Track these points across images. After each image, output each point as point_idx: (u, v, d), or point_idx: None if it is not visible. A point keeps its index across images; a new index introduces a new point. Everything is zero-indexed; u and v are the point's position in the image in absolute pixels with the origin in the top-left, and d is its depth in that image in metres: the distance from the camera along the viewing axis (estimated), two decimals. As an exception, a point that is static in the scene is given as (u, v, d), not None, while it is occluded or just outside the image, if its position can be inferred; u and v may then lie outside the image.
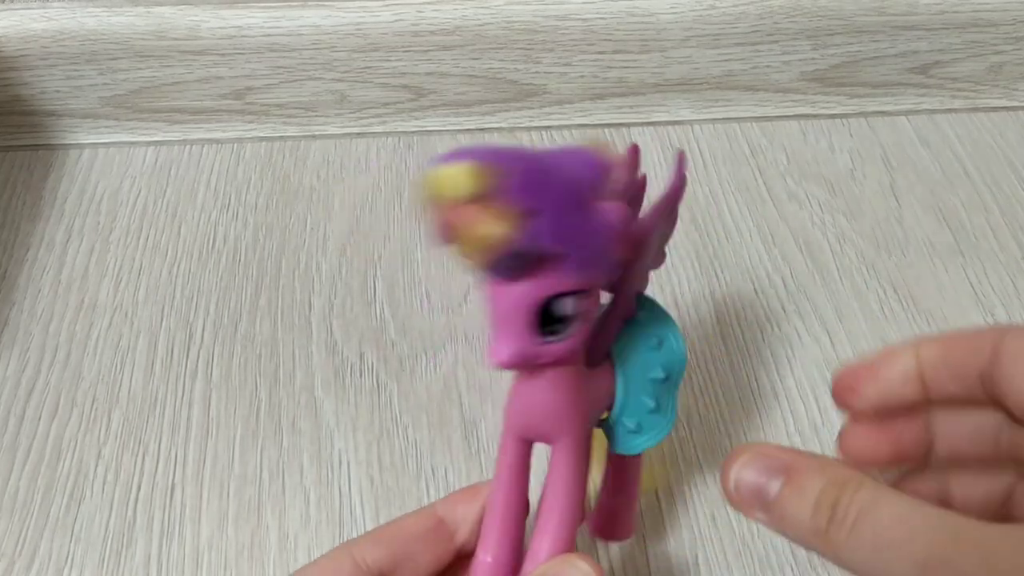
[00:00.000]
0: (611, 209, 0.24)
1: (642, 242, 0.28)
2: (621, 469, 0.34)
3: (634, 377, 0.30)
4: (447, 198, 0.21)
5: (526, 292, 0.24)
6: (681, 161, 0.30)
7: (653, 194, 0.29)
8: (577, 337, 0.26)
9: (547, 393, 0.27)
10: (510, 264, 0.23)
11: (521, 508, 0.30)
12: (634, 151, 0.28)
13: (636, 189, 0.28)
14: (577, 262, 0.24)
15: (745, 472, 0.25)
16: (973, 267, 0.50)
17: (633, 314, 0.30)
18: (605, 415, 0.31)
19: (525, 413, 0.28)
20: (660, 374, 0.30)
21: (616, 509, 0.36)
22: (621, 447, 0.31)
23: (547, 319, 0.24)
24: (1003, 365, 0.25)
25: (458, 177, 0.21)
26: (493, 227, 0.21)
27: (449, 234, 0.22)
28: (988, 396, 0.26)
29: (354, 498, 0.40)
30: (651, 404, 0.30)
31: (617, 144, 0.56)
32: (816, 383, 0.44)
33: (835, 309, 0.48)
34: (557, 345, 0.25)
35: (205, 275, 0.49)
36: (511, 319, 0.24)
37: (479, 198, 0.21)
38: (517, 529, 0.29)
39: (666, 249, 0.32)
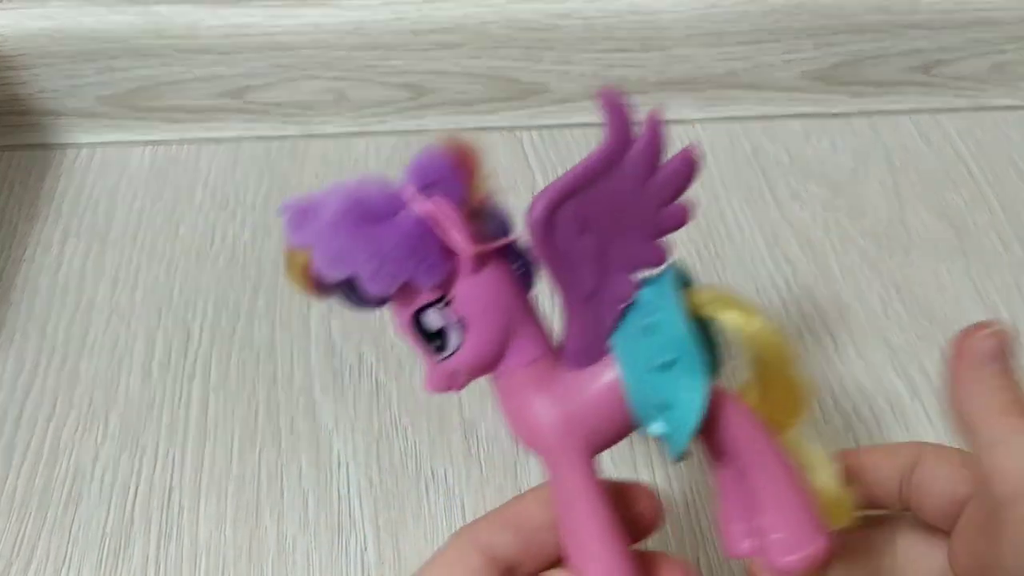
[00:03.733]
0: (408, 213, 0.24)
1: (546, 221, 0.24)
2: (751, 471, 0.27)
3: (635, 373, 0.26)
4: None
5: (397, 319, 0.26)
6: (615, 113, 0.25)
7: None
8: (474, 344, 0.26)
9: (504, 405, 0.27)
10: (342, 296, 0.25)
11: (609, 518, 0.26)
12: (611, 106, 0.25)
13: (619, 153, 0.25)
14: (369, 279, 0.24)
15: None
16: (976, 267, 0.50)
17: (629, 296, 0.27)
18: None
19: (511, 428, 0.27)
20: (661, 359, 0.26)
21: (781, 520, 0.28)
22: (669, 456, 0.27)
23: (431, 336, 0.26)
24: (921, 480, 0.29)
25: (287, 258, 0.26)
26: (291, 267, 0.25)
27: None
28: (903, 505, 0.29)
29: (353, 500, 0.40)
30: (661, 399, 0.26)
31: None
32: (819, 383, 0.44)
33: (837, 309, 0.47)
34: (457, 357, 0.26)
35: (203, 275, 0.49)
36: (414, 345, 0.26)
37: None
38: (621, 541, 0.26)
39: (683, 205, 0.26)
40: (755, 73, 0.57)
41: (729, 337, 0.26)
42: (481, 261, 0.25)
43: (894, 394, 0.44)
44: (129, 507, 0.40)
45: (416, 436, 0.42)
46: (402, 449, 0.42)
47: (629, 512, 0.28)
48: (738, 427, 0.26)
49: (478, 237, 0.25)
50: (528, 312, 0.27)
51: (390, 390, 0.44)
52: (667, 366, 0.25)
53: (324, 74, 0.55)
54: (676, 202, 0.26)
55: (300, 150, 0.56)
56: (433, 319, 0.25)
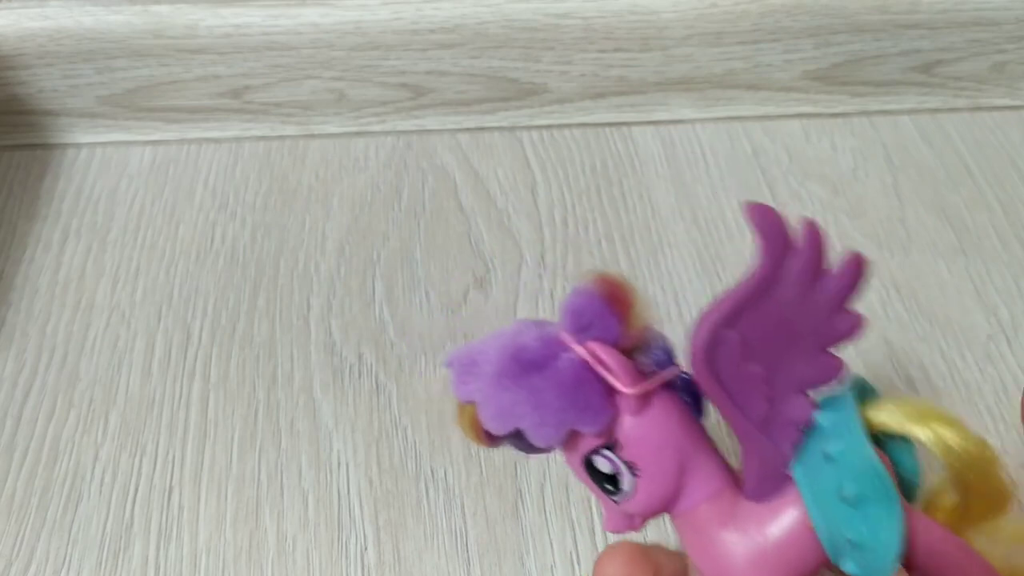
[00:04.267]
0: (566, 359, 0.24)
1: (708, 349, 0.23)
2: None
3: (821, 506, 0.24)
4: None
5: (568, 462, 0.25)
6: (812, 234, 0.24)
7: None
8: (648, 487, 0.24)
9: (689, 542, 0.25)
10: (513, 444, 0.24)
11: None
12: (763, 220, 0.24)
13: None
14: (534, 432, 0.24)
15: None
16: (976, 267, 0.50)
17: (807, 420, 0.24)
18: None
19: (699, 566, 0.26)
20: (847, 492, 0.23)
21: None
22: None
23: (604, 479, 0.25)
24: None
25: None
26: (462, 420, 0.25)
27: None
28: None
29: (353, 500, 0.40)
30: (851, 535, 0.23)
31: (618, 143, 0.56)
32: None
33: (837, 309, 0.47)
34: (633, 501, 0.24)
35: (203, 275, 0.49)
36: (590, 488, 0.25)
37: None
38: None
39: (854, 312, 0.24)
40: (755, 73, 0.57)
41: (926, 454, 0.24)
42: (645, 399, 0.24)
43: (893, 394, 0.44)
44: (129, 507, 0.40)
45: (416, 436, 0.42)
46: (402, 449, 0.42)
47: None
48: (935, 550, 0.24)
49: (639, 373, 0.24)
50: (702, 443, 0.25)
51: (390, 390, 0.44)
52: (855, 500, 0.23)
53: (323, 74, 0.55)
54: (844, 309, 0.24)
55: (299, 150, 0.56)
56: (604, 464, 0.24)
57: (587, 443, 0.24)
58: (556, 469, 0.41)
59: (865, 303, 0.48)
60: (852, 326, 0.24)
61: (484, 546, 0.38)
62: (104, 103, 0.55)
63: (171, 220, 0.52)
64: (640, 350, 0.24)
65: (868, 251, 0.50)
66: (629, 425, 0.24)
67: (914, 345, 0.46)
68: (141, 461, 0.41)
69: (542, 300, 0.48)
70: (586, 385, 0.23)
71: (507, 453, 0.41)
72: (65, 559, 0.38)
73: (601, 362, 0.23)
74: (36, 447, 0.42)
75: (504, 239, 0.51)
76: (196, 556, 0.38)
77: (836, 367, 0.24)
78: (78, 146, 0.56)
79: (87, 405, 0.43)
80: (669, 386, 0.25)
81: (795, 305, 0.24)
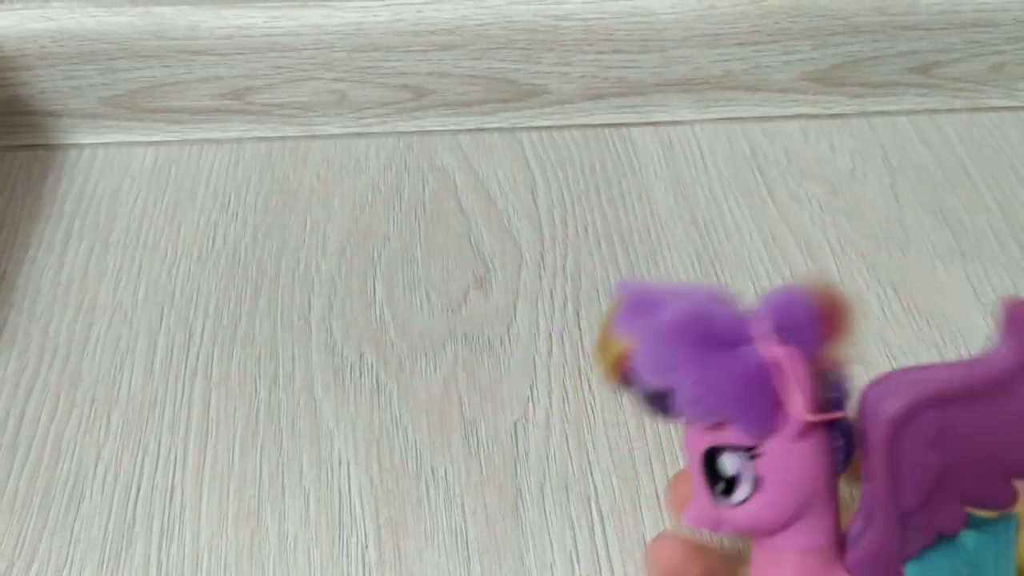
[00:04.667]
0: (753, 350, 0.22)
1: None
2: None
3: None
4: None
5: (689, 439, 0.24)
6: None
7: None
8: (762, 508, 0.23)
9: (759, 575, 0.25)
10: (644, 397, 0.23)
11: None
12: (1017, 316, 0.21)
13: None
14: (687, 402, 0.22)
15: None
16: (974, 268, 0.50)
17: (953, 531, 0.23)
18: None
19: None
20: None
21: None
22: None
23: (718, 476, 0.23)
24: None
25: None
26: (606, 351, 0.23)
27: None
28: None
29: (354, 499, 0.40)
30: None
31: (617, 144, 0.57)
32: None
33: (836, 310, 0.48)
34: (739, 511, 0.23)
35: (205, 275, 0.49)
36: (695, 473, 0.24)
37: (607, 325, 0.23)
38: None
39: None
40: (753, 74, 0.57)
41: None
42: (807, 429, 0.22)
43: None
44: (131, 506, 0.40)
45: (417, 435, 0.43)
46: (403, 448, 0.42)
47: None
48: None
49: (815, 402, 0.22)
50: (828, 495, 0.24)
51: (391, 389, 0.44)
52: None
53: (325, 75, 0.55)
54: None
55: (301, 151, 0.56)
56: (730, 464, 0.23)
57: (730, 437, 0.23)
58: (556, 468, 0.41)
59: (863, 303, 0.49)
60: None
61: (484, 545, 0.39)
62: (106, 104, 0.56)
63: (173, 221, 0.52)
64: (823, 379, 0.23)
65: (866, 251, 0.51)
66: (781, 446, 0.23)
67: (912, 345, 0.46)
68: (143, 460, 0.42)
69: (542, 300, 0.48)
70: (763, 386, 0.22)
71: (507, 453, 0.41)
72: (67, 558, 0.39)
73: (792, 373, 0.22)
74: (38, 447, 0.42)
75: (504, 239, 0.51)
76: (198, 555, 0.39)
77: (1009, 500, 0.23)
78: (80, 147, 0.56)
79: (89, 405, 0.44)
80: (829, 425, 0.23)
81: (1010, 421, 0.21)
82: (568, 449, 0.42)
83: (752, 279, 0.49)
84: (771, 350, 0.22)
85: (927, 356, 0.45)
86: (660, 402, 0.23)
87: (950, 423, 0.21)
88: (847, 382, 0.23)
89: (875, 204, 0.53)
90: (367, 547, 0.39)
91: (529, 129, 0.58)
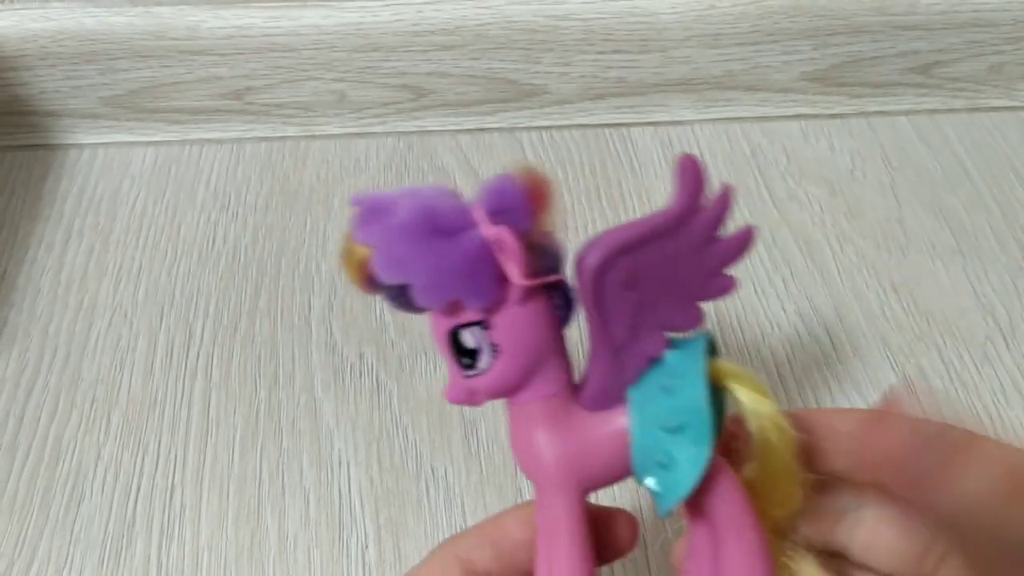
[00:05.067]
0: (473, 234, 0.25)
1: (600, 271, 0.25)
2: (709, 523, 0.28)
3: (644, 427, 0.27)
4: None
5: (433, 326, 0.26)
6: (688, 175, 0.25)
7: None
8: (501, 371, 0.26)
9: (513, 432, 0.28)
10: (389, 297, 0.25)
11: (585, 556, 0.27)
12: (689, 171, 0.25)
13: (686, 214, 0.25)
14: (421, 290, 0.25)
15: None
16: (973, 267, 0.50)
17: (657, 354, 0.27)
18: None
19: (514, 454, 0.28)
20: (673, 422, 0.26)
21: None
22: (657, 510, 0.27)
23: (463, 351, 0.26)
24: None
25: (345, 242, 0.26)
26: (348, 259, 0.25)
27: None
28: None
29: (354, 499, 0.40)
30: (662, 457, 0.26)
31: (617, 144, 0.57)
32: (816, 384, 0.44)
33: (835, 309, 0.48)
34: (483, 379, 0.26)
35: (205, 275, 0.49)
36: (444, 355, 0.27)
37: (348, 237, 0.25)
38: None
39: (731, 276, 0.27)
40: (753, 74, 0.57)
41: (739, 414, 0.26)
42: (528, 293, 0.25)
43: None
44: (131, 506, 0.40)
45: (416, 435, 0.43)
46: (402, 448, 0.42)
47: (607, 534, 0.29)
48: (726, 498, 0.27)
49: (531, 270, 0.25)
50: (557, 348, 0.27)
51: (391, 389, 0.44)
52: (677, 429, 0.26)
53: (324, 75, 0.55)
54: (724, 272, 0.27)
55: (301, 151, 0.56)
56: (469, 339, 0.26)
57: (463, 316, 0.26)
58: (556, 468, 0.41)
59: (863, 303, 0.49)
60: (725, 288, 0.27)
61: (484, 544, 0.39)
62: (106, 104, 0.56)
63: (173, 220, 0.52)
64: (537, 250, 0.26)
65: (866, 251, 0.51)
66: (507, 313, 0.26)
67: (912, 345, 0.46)
68: (143, 460, 0.42)
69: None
70: (484, 264, 0.25)
71: (507, 452, 0.41)
72: (67, 558, 0.39)
73: (506, 248, 0.25)
74: (38, 447, 0.42)
75: (504, 239, 0.51)
76: (198, 555, 0.39)
77: (698, 318, 0.27)
78: (80, 147, 0.56)
79: (89, 405, 0.44)
80: (549, 288, 0.26)
81: (686, 254, 0.26)
82: (568, 449, 0.42)
83: (752, 279, 0.49)
84: (487, 231, 0.25)
85: (927, 355, 0.46)
86: (403, 297, 0.25)
87: (640, 263, 0.25)
88: (561, 250, 0.26)
89: (875, 204, 0.53)
90: (367, 547, 0.39)
91: (529, 129, 0.58)
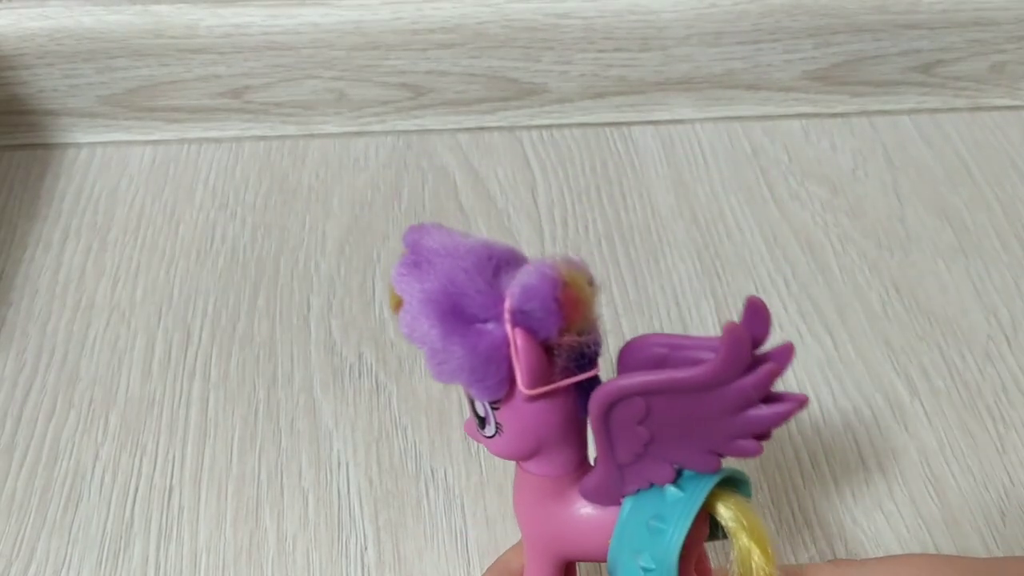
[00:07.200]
0: (488, 332, 0.24)
1: (606, 405, 0.25)
2: None
3: (620, 545, 0.27)
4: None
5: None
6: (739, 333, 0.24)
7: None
8: (505, 446, 0.27)
9: (517, 489, 0.29)
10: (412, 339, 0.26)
11: None
12: (734, 340, 0.23)
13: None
14: (430, 366, 0.25)
15: None
16: (975, 266, 0.50)
17: (661, 483, 0.27)
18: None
19: (514, 506, 0.29)
20: (644, 562, 0.26)
21: None
22: None
23: (475, 411, 0.27)
24: None
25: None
26: (391, 294, 0.26)
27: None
28: None
29: (353, 499, 0.40)
30: (624, 573, 0.27)
31: (618, 143, 0.56)
32: (818, 383, 0.44)
33: (837, 309, 0.47)
34: (489, 441, 0.27)
35: (203, 275, 0.49)
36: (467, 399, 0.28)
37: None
38: None
39: (758, 444, 0.25)
40: (754, 73, 0.57)
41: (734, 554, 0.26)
42: (536, 397, 0.26)
43: (893, 393, 0.44)
44: (129, 506, 0.40)
45: (416, 436, 0.42)
46: (402, 449, 0.42)
47: None
48: None
49: (549, 372, 0.25)
50: (568, 437, 0.27)
51: (390, 390, 0.44)
52: (646, 570, 0.26)
53: (323, 74, 0.55)
54: (754, 436, 0.25)
55: (299, 150, 0.56)
56: (480, 407, 0.27)
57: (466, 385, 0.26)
58: (556, 469, 0.41)
59: (864, 302, 0.49)
60: (747, 452, 0.25)
61: (484, 546, 0.38)
62: (104, 103, 0.55)
63: (171, 220, 0.52)
64: (565, 350, 0.25)
65: (867, 251, 0.51)
66: (511, 407, 0.26)
67: (914, 345, 0.46)
68: (141, 461, 0.41)
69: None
70: (494, 363, 0.25)
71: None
72: (65, 558, 0.38)
73: (518, 353, 0.25)
74: (36, 447, 0.42)
75: (504, 239, 0.51)
76: (196, 555, 0.39)
77: (714, 465, 0.26)
78: (78, 146, 0.56)
79: (87, 405, 0.43)
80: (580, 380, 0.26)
81: (713, 414, 0.25)
82: (568, 449, 0.41)
83: (753, 278, 0.49)
84: (507, 330, 0.25)
85: (929, 355, 0.45)
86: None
87: (655, 408, 0.25)
88: (596, 347, 0.26)
89: (876, 203, 0.53)
90: (366, 548, 0.39)
91: (529, 128, 0.58)
